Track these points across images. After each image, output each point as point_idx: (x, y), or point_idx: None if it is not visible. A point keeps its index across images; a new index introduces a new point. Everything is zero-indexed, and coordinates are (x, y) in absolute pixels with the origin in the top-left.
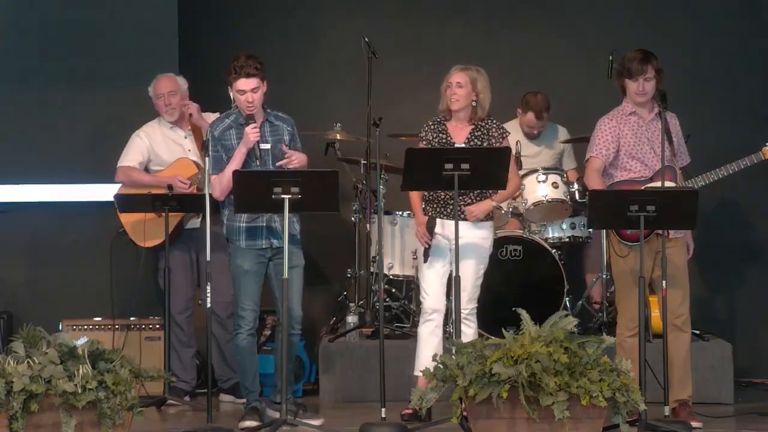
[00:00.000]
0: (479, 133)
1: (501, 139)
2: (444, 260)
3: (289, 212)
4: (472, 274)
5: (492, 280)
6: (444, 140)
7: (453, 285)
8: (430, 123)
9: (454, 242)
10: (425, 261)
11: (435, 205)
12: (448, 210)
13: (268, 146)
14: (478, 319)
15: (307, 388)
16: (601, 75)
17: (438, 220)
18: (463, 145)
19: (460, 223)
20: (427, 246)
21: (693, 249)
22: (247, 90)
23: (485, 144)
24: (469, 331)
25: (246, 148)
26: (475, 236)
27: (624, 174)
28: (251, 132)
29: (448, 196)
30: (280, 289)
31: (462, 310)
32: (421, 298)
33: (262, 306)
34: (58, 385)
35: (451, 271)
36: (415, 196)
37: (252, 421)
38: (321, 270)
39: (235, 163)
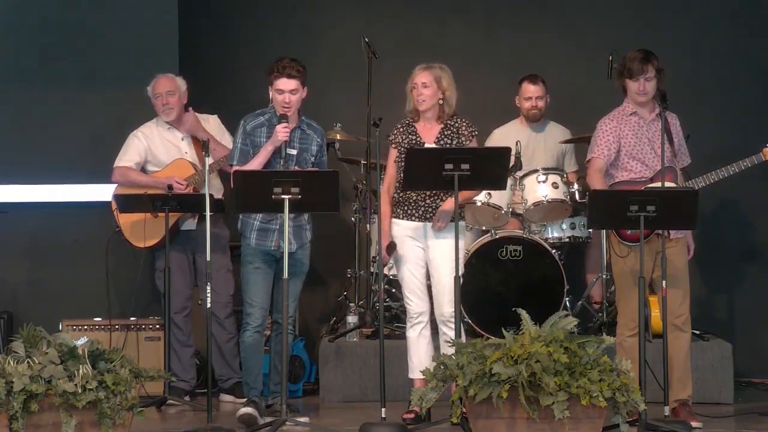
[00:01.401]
0: (449, 131)
1: (471, 137)
2: (419, 263)
3: (290, 213)
4: (450, 277)
5: (492, 280)
6: (414, 141)
7: (436, 288)
8: (399, 126)
9: (427, 245)
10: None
11: (405, 207)
12: (420, 211)
13: (294, 152)
14: (478, 319)
15: (307, 388)
16: (601, 75)
17: (405, 223)
18: (434, 145)
19: (430, 228)
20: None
21: (693, 249)
22: (286, 90)
23: (455, 142)
24: (452, 333)
25: (273, 146)
26: (448, 237)
27: (624, 174)
28: (281, 130)
29: (419, 197)
30: (279, 290)
31: (444, 314)
32: (405, 304)
33: None
34: (58, 385)
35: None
36: (384, 204)
37: (250, 408)
38: (321, 270)
39: (260, 159)
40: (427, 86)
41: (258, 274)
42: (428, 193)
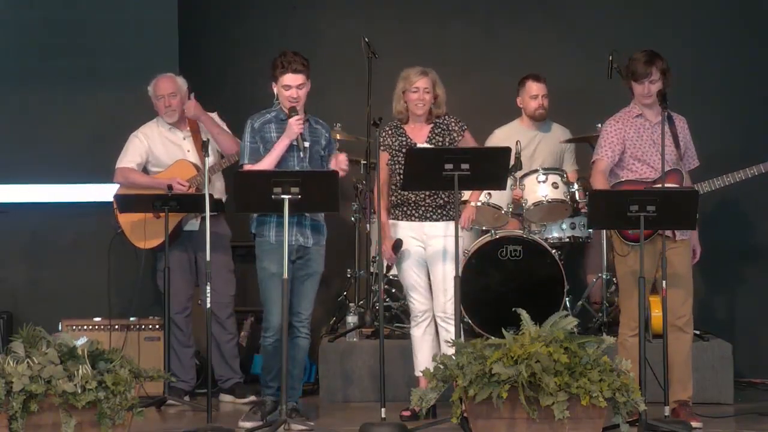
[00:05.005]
0: (439, 130)
1: (462, 132)
2: (421, 261)
3: (290, 212)
4: (450, 272)
5: (492, 280)
6: (405, 143)
7: (434, 286)
8: (387, 129)
9: (427, 243)
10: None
11: (405, 208)
12: (420, 211)
13: (308, 144)
14: (478, 318)
15: (307, 388)
16: (601, 75)
17: (407, 223)
18: (426, 145)
19: (431, 224)
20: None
21: (699, 253)
22: (293, 86)
23: (447, 140)
24: (451, 330)
25: (289, 139)
26: (445, 234)
27: (630, 175)
28: (295, 123)
29: (418, 198)
30: (295, 291)
31: (445, 312)
32: (408, 302)
33: None
34: (58, 385)
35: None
36: (382, 208)
37: (250, 422)
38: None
39: (275, 153)
40: (428, 91)
41: (275, 279)
42: (427, 193)
